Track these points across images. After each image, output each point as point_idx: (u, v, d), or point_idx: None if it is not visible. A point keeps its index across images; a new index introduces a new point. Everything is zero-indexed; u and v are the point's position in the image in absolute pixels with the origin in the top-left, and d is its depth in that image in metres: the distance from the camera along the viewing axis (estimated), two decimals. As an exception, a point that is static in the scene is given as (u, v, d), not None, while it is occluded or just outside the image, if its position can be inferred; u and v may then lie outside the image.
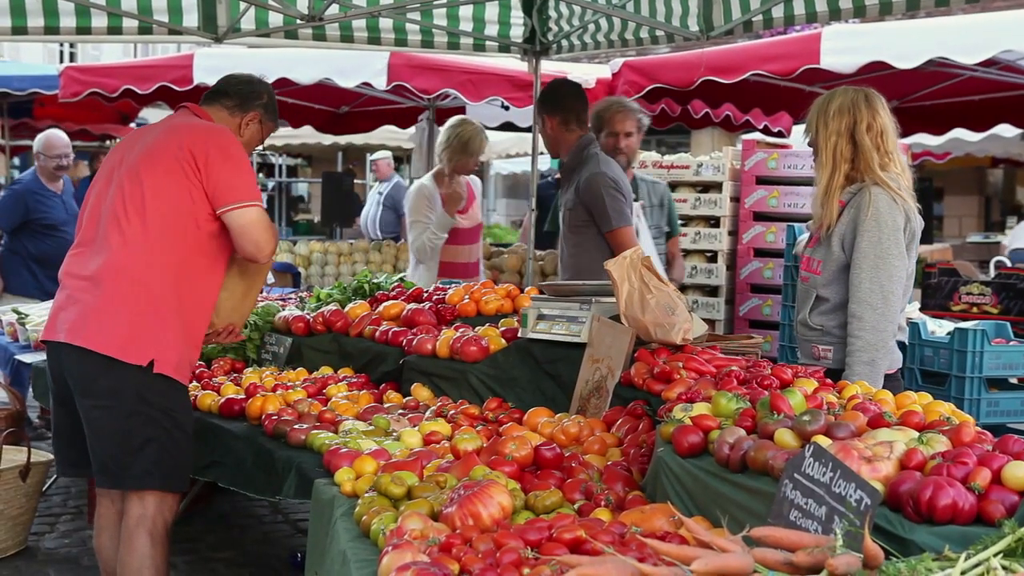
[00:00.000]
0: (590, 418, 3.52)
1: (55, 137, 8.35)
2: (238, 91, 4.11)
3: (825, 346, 3.87)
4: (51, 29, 6.30)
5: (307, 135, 13.65)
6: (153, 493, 3.79)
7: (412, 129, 10.56)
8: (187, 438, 3.89)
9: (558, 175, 5.89)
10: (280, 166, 19.58)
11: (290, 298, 6.19)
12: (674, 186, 8.90)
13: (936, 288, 6.83)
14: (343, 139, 14.09)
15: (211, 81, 7.88)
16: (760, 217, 7.01)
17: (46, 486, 5.79)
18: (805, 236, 4.36)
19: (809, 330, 3.92)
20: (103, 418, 3.74)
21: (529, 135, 8.12)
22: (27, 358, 5.82)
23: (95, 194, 3.93)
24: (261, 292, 4.36)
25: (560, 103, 5.40)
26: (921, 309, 6.31)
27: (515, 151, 16.80)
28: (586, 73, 7.68)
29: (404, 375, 4.50)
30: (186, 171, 3.75)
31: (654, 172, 7.79)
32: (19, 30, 6.24)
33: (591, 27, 6.63)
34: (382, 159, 12.69)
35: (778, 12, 5.61)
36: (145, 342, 3.73)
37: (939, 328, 5.52)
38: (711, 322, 6.83)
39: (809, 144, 4.01)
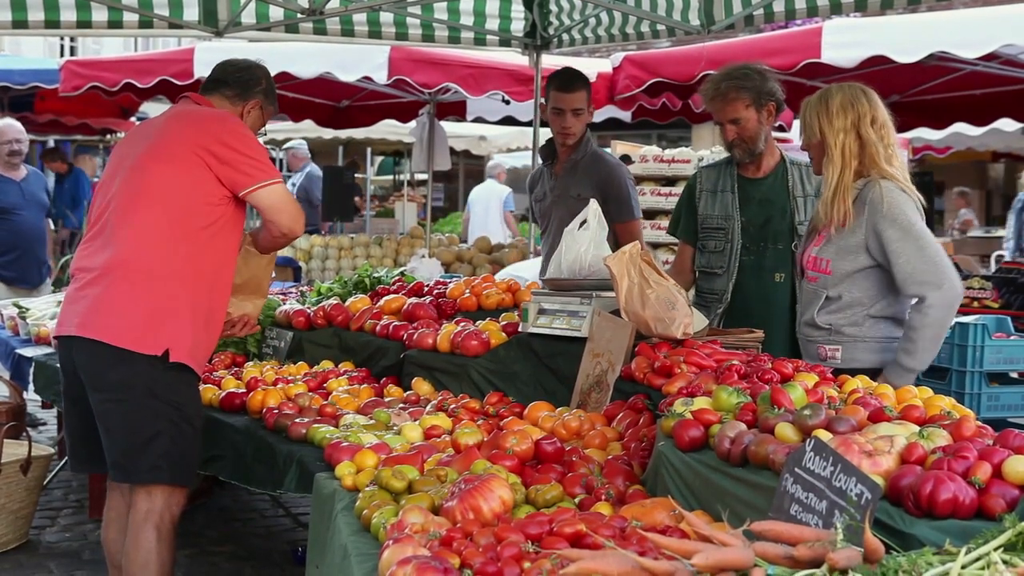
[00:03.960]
0: (591, 412, 3.53)
1: (6, 125, 8.49)
2: (238, 79, 4.09)
3: (832, 346, 3.84)
4: (52, 23, 6.31)
5: (308, 129, 13.63)
6: (161, 488, 3.80)
7: (413, 123, 10.55)
8: (195, 432, 3.89)
9: (544, 164, 5.64)
10: (281, 160, 19.57)
11: (291, 292, 6.20)
12: (674, 180, 8.90)
13: (937, 282, 6.81)
14: (344, 133, 14.07)
15: (212, 75, 7.95)
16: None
17: (47, 480, 5.79)
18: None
19: (816, 330, 3.89)
20: (113, 412, 3.75)
21: (529, 129, 8.10)
22: (28, 352, 5.82)
23: (102, 191, 3.94)
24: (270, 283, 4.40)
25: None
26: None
27: (516, 145, 16.79)
28: (587, 67, 7.67)
29: (405, 369, 4.50)
30: (194, 159, 3.75)
31: (654, 166, 7.78)
32: (20, 24, 6.24)
33: (592, 21, 6.63)
34: (294, 148, 12.35)
35: (779, 6, 5.61)
36: (159, 332, 3.72)
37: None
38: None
39: (805, 146, 3.95)
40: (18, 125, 8.61)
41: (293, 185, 11.86)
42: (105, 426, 3.77)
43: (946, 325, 3.73)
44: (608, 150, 8.20)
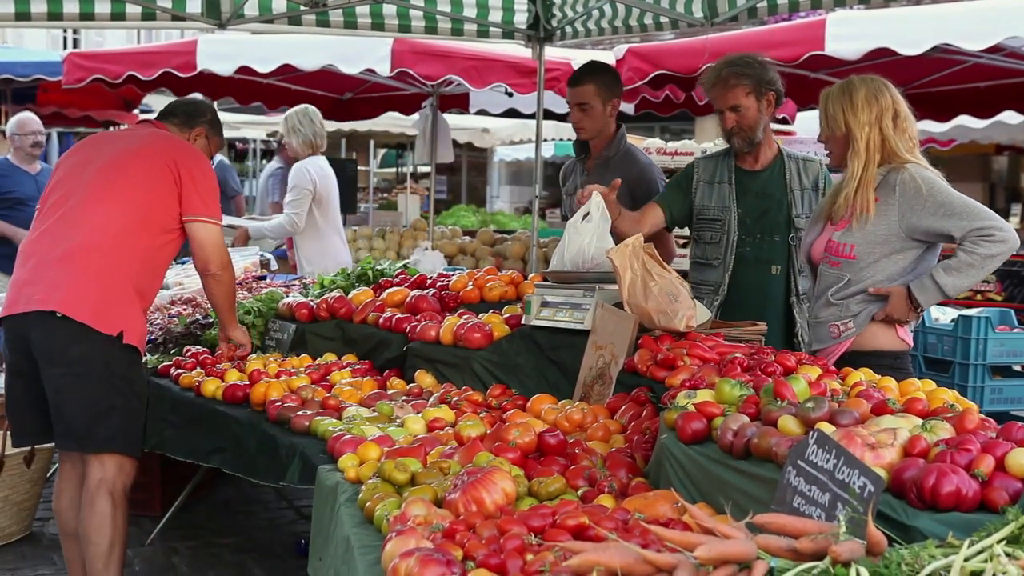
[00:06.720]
0: (594, 405, 3.53)
1: (28, 117, 8.55)
2: (183, 111, 4.67)
3: (845, 320, 3.86)
4: (54, 15, 6.29)
5: (310, 122, 13.59)
6: (112, 457, 4.13)
7: (416, 115, 10.54)
8: (143, 407, 4.32)
9: (577, 159, 5.53)
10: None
11: (294, 285, 6.19)
12: (677, 173, 8.88)
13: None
14: (347, 125, 14.05)
15: (215, 67, 8.01)
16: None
17: (50, 472, 5.80)
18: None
19: (828, 308, 3.91)
20: (73, 385, 4.06)
21: (532, 122, 8.09)
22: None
23: (64, 181, 4.27)
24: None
25: (620, 88, 5.28)
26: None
27: (519, 138, 16.79)
28: (590, 60, 7.66)
29: (408, 362, 4.50)
30: (168, 176, 4.27)
31: (657, 159, 7.76)
32: (22, 16, 6.23)
33: (595, 13, 6.61)
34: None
35: (783, -2, 5.58)
36: (115, 314, 4.10)
37: (943, 315, 5.53)
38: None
39: (825, 139, 3.94)
40: (37, 118, 8.68)
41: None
42: (64, 398, 4.08)
43: (995, 263, 3.73)
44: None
